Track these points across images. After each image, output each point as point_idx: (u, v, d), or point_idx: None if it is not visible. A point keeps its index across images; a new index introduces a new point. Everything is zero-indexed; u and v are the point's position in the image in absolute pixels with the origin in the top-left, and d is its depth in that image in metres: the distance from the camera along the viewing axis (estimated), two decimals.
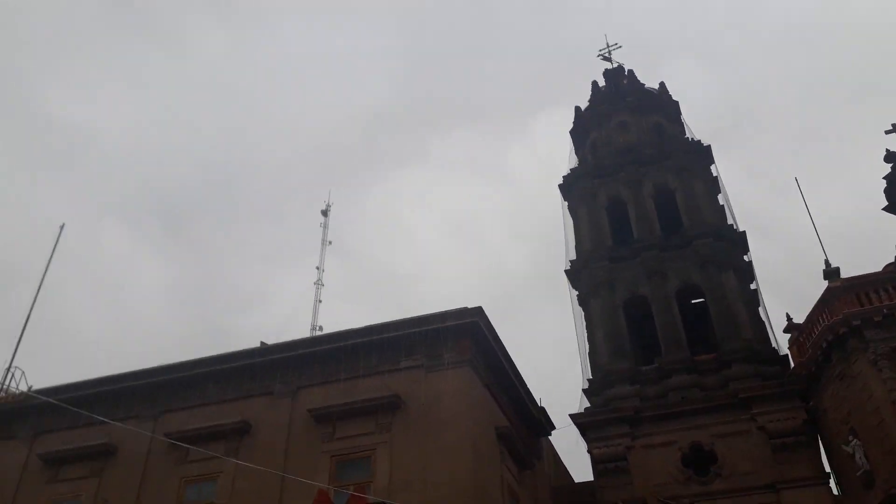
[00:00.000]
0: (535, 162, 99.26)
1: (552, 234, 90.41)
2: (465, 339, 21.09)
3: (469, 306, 21.41)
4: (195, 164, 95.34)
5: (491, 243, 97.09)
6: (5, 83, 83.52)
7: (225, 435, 20.64)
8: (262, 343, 22.90)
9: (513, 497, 21.17)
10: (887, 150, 27.58)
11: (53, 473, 22.22)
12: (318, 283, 29.83)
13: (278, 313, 78.84)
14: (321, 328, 27.21)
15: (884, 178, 27.24)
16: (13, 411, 23.32)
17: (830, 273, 23.27)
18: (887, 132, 28.27)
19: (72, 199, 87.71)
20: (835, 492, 21.35)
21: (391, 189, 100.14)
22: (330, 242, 31.95)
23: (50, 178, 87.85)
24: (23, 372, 16.39)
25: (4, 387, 21.62)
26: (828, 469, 21.86)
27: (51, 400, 19.21)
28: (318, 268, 30.62)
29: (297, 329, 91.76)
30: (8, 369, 15.90)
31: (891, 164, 27.11)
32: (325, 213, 32.87)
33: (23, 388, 15.83)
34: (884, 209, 27.82)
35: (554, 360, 73.60)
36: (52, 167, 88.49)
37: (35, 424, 23.22)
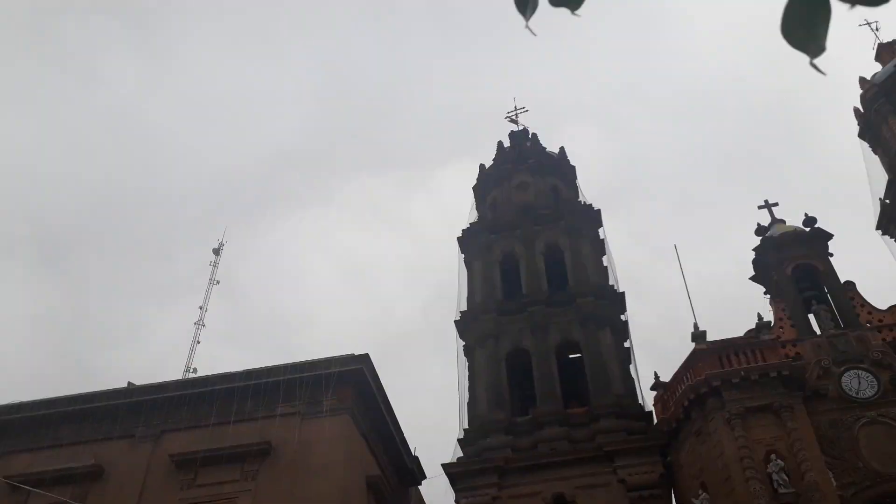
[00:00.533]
0: (437, 213, 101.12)
1: (445, 286, 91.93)
2: (348, 386, 21.16)
3: (356, 353, 21.52)
4: (84, 193, 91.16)
5: (384, 291, 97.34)
6: None
7: (74, 479, 19.72)
8: (129, 383, 22.19)
9: None
10: (758, 224, 29.71)
11: None
12: (200, 324, 29.25)
13: (152, 353, 76.14)
14: (195, 370, 26.57)
15: (753, 249, 29.18)
16: None
17: (697, 336, 24.61)
18: (760, 207, 30.55)
19: None
20: None
21: (289, 230, 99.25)
22: (218, 282, 31.51)
23: None
24: None
25: None
26: None
27: None
28: (201, 307, 30.06)
29: (170, 370, 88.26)
30: None
31: (760, 238, 29.12)
32: (216, 251, 32.48)
33: None
34: (751, 278, 29.78)
35: (435, 411, 73.97)
36: None
37: None
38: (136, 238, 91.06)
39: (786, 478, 20.09)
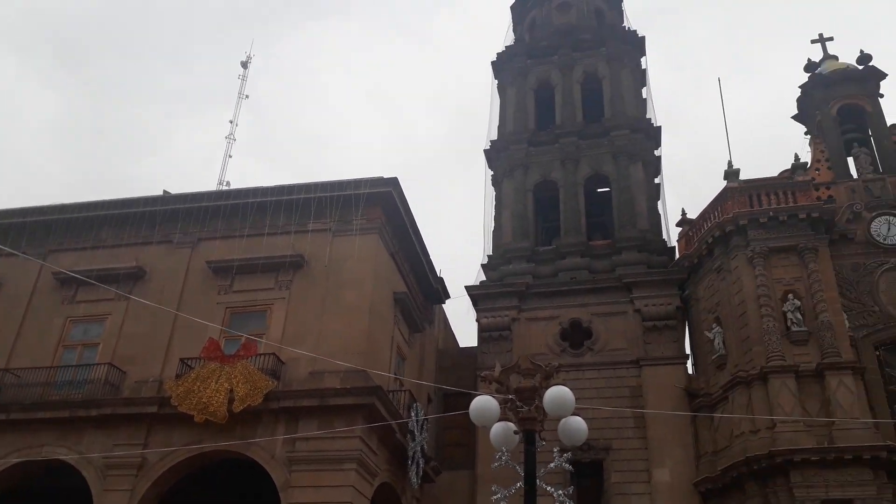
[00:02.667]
0: (463, 29, 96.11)
1: (471, 108, 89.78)
2: (377, 207, 21.47)
3: (385, 176, 21.67)
4: None
5: (408, 112, 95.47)
6: None
7: (117, 278, 20.72)
8: (164, 191, 22.62)
9: (400, 355, 22.39)
10: (809, 60, 28.08)
11: None
12: (230, 138, 29.13)
13: (183, 164, 76.82)
14: (228, 183, 26.90)
15: (800, 86, 27.87)
16: None
17: (730, 174, 24.26)
18: (813, 41, 28.73)
19: None
20: (690, 371, 23.39)
21: (307, 42, 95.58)
22: (247, 96, 30.96)
23: None
24: None
25: None
26: (688, 351, 23.85)
27: None
28: (231, 121, 29.80)
29: (202, 182, 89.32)
30: None
31: (809, 74, 27.68)
32: (245, 64, 31.55)
33: None
34: (793, 117, 28.75)
35: (456, 235, 75.33)
36: None
37: None
38: (156, 45, 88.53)
39: (800, 317, 20.65)
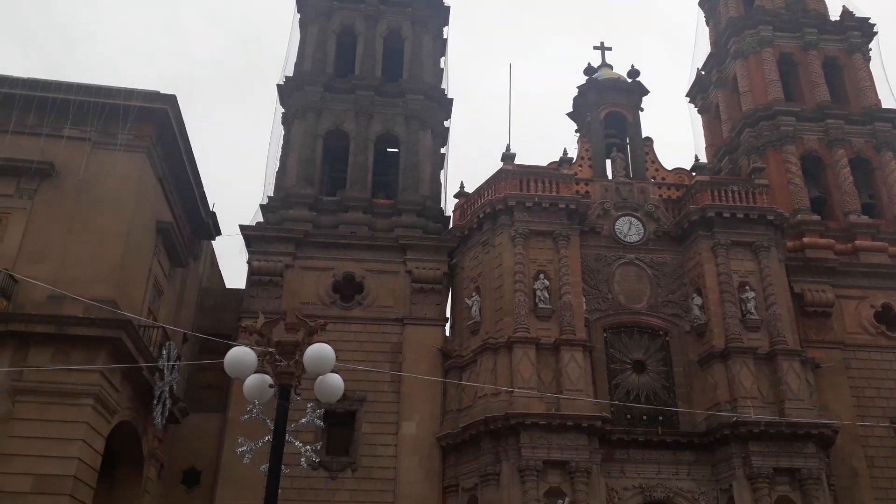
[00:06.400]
0: None
1: (260, 30, 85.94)
2: (149, 124, 19.77)
3: (162, 91, 19.89)
4: None
5: (185, 19, 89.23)
6: None
7: None
8: None
9: (157, 289, 20.99)
10: (589, 64, 30.62)
11: None
12: None
13: None
14: None
15: (577, 87, 30.23)
16: None
17: (507, 157, 25.95)
18: (595, 48, 31.37)
19: None
20: (447, 333, 24.97)
21: None
22: None
23: None
24: None
25: None
26: (448, 315, 25.43)
27: None
28: None
29: None
30: None
31: (587, 77, 30.15)
32: None
33: None
34: (568, 114, 31.28)
35: (231, 167, 73.08)
36: None
37: None
38: None
39: (547, 295, 22.97)
